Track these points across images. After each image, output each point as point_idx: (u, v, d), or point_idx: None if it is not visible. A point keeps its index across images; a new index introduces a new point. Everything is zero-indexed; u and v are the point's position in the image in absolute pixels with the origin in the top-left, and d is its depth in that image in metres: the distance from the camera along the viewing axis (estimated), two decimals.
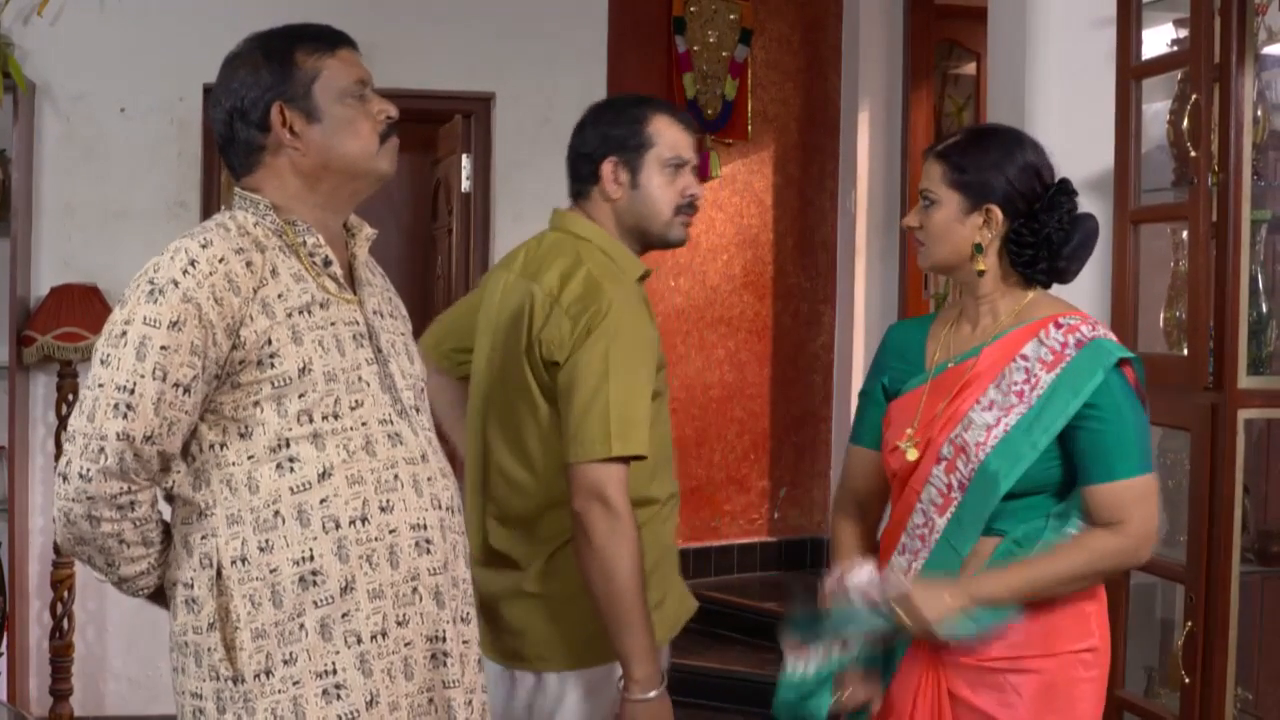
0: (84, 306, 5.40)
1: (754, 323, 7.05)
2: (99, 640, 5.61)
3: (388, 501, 2.41)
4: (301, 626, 2.34)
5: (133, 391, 2.29)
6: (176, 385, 2.30)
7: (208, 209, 5.74)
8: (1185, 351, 3.49)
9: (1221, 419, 3.31)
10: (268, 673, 2.33)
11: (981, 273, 2.69)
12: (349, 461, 2.39)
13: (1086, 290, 3.83)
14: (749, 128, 6.99)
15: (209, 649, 2.35)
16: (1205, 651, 3.30)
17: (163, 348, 2.29)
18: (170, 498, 2.42)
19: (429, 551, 2.44)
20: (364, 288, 2.53)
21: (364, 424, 2.42)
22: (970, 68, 7.11)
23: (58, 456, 2.45)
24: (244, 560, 2.34)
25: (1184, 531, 3.52)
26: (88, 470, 2.30)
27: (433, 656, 2.44)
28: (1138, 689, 3.73)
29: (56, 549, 5.31)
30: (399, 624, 2.40)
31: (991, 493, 2.59)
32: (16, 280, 5.44)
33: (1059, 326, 2.64)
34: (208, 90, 5.99)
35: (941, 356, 2.75)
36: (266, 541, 2.34)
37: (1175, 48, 3.68)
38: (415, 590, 2.42)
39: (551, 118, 6.14)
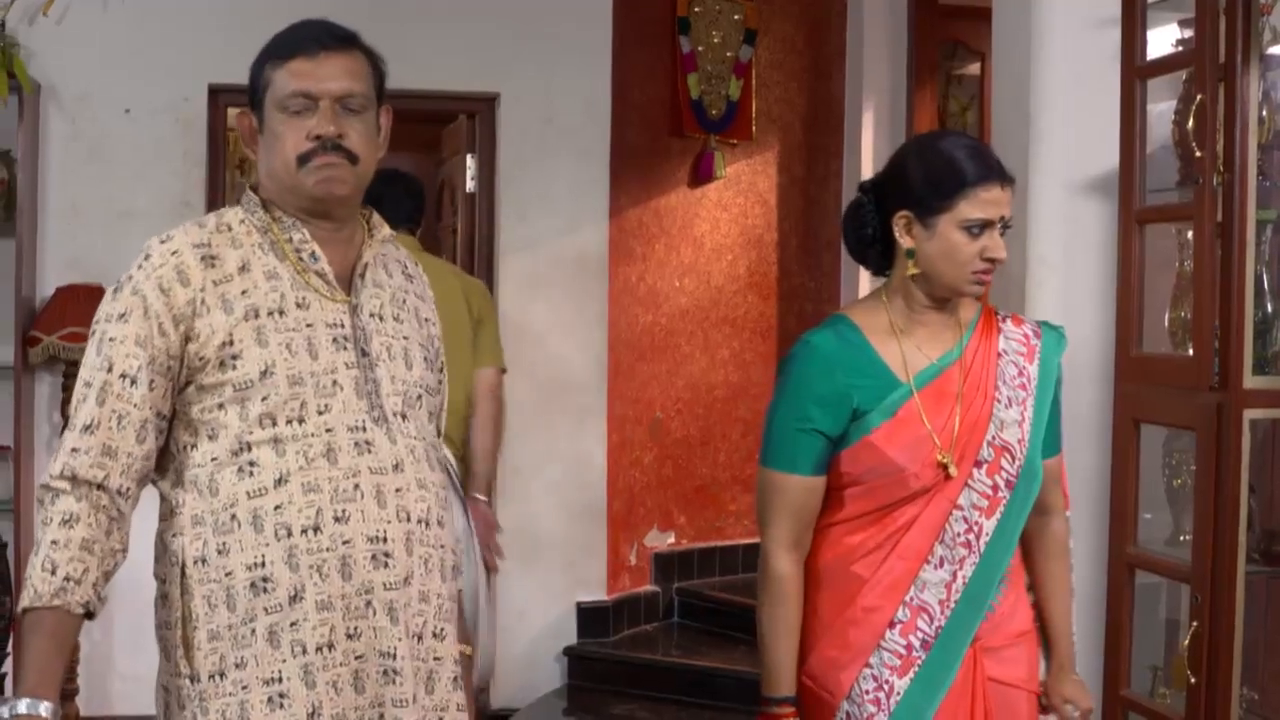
0: (89, 307, 5.35)
1: (758, 323, 7.04)
2: (105, 640, 5.62)
3: (343, 511, 2.36)
4: (253, 631, 2.34)
5: (89, 385, 2.37)
6: (123, 376, 2.36)
7: (212, 208, 5.73)
8: (1190, 351, 3.49)
9: (1227, 419, 3.30)
10: (221, 674, 2.35)
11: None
12: (306, 469, 2.36)
13: (1091, 290, 3.84)
14: (753, 128, 6.98)
15: (175, 645, 2.40)
16: (1211, 651, 3.30)
17: (110, 339, 2.38)
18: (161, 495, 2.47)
19: (386, 565, 2.38)
20: (364, 290, 2.50)
21: (329, 430, 2.38)
22: (974, 68, 7.10)
23: None
24: (204, 561, 2.37)
25: (1189, 531, 3.52)
26: (53, 463, 2.39)
27: (384, 673, 2.39)
28: (1143, 689, 3.73)
29: None
30: (349, 637, 2.36)
31: (1035, 481, 2.77)
32: (22, 280, 5.46)
33: (1003, 318, 2.83)
34: (213, 90, 6.04)
35: (919, 363, 2.73)
36: (224, 544, 2.35)
37: (1180, 48, 3.68)
38: (369, 604, 2.37)
39: (556, 118, 6.15)
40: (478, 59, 6.08)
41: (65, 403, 5.43)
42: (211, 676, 2.35)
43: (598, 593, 6.30)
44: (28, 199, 5.50)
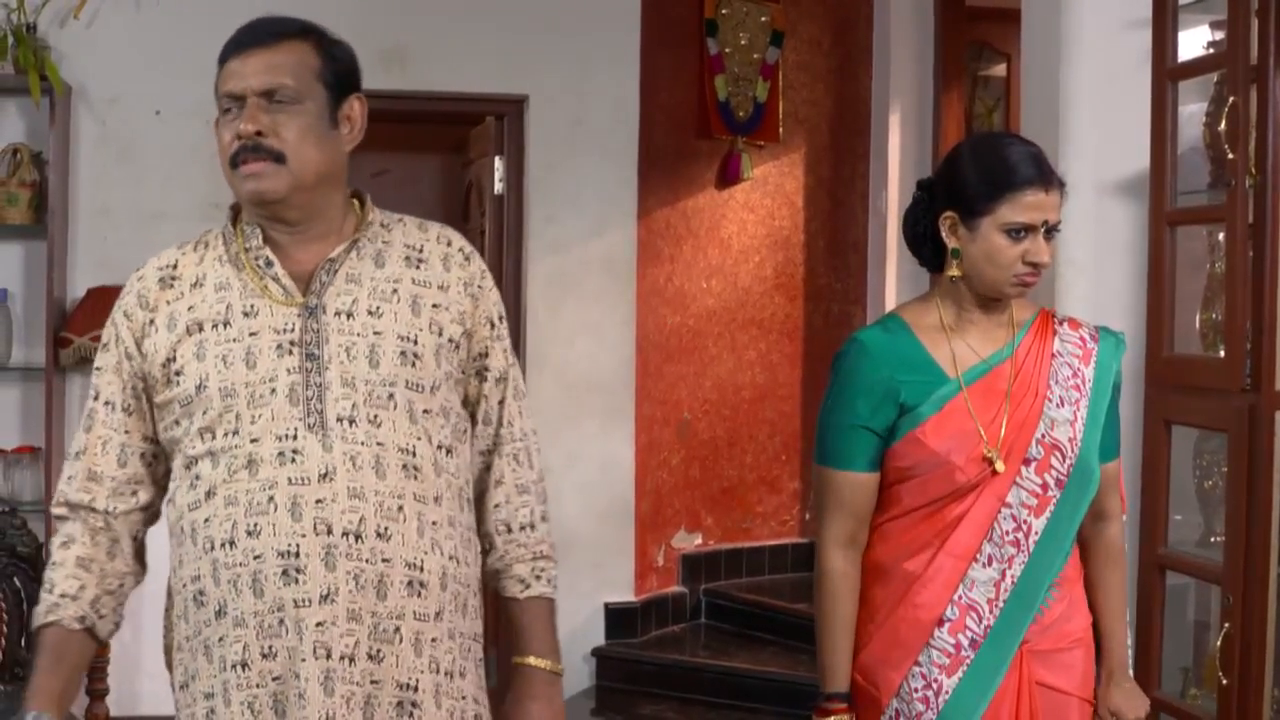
0: None
1: (785, 324, 7.04)
2: (135, 640, 5.62)
3: (255, 525, 2.27)
4: (199, 645, 2.34)
5: (85, 414, 2.45)
6: (107, 403, 2.42)
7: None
8: (1222, 353, 3.49)
9: (1258, 420, 3.30)
10: (185, 685, 2.39)
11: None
12: (229, 481, 2.30)
13: (1122, 292, 3.84)
14: (780, 129, 6.98)
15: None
16: (1242, 652, 3.30)
17: (97, 369, 2.45)
18: None
19: (297, 581, 2.25)
20: (331, 287, 2.36)
21: (255, 440, 2.29)
22: (1001, 69, 7.10)
23: None
24: (174, 572, 2.41)
25: (1220, 533, 3.51)
26: (57, 492, 2.44)
27: (299, 696, 2.26)
28: (1173, 690, 3.72)
29: None
30: (264, 656, 2.26)
31: (1091, 482, 2.74)
32: (53, 282, 5.49)
33: (1060, 321, 2.82)
34: None
35: (969, 360, 2.74)
36: (180, 557, 2.38)
37: (1211, 50, 3.67)
38: (282, 622, 2.26)
39: (584, 119, 6.16)
40: (506, 61, 6.08)
41: None
42: (181, 686, 2.40)
43: (625, 593, 6.30)
44: (59, 201, 5.53)
